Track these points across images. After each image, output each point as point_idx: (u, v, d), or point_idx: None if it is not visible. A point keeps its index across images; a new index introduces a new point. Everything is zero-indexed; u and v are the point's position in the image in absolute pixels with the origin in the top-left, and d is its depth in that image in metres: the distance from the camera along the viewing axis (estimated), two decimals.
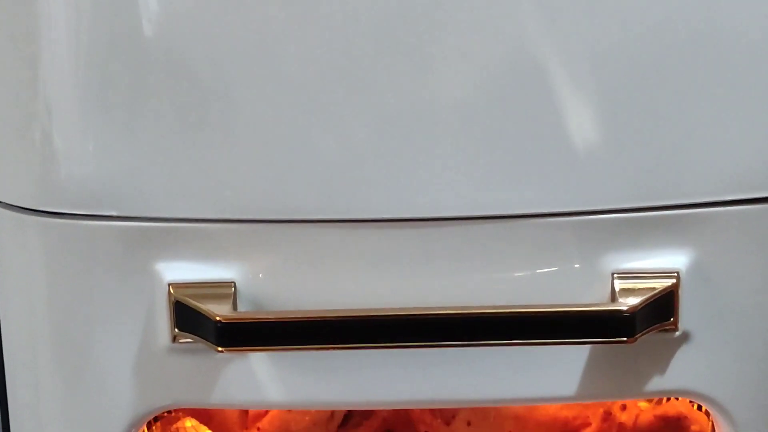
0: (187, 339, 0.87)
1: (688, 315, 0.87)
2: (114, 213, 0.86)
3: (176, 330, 0.87)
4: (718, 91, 0.84)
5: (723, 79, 0.83)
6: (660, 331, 0.86)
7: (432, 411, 1.09)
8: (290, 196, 0.85)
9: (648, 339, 0.86)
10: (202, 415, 1.15)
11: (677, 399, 1.16)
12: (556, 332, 0.83)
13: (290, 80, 0.83)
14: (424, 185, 0.84)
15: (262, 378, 0.88)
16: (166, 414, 1.21)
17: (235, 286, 0.86)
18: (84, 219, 0.87)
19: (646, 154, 0.84)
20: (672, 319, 0.86)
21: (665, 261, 0.86)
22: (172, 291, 0.86)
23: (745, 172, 0.85)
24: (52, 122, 0.86)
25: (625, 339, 0.83)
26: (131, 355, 0.88)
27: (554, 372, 0.88)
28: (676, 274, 0.86)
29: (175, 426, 1.22)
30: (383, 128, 0.84)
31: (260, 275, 0.86)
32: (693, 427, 1.09)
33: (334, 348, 0.84)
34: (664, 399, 1.17)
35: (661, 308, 0.85)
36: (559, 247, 0.86)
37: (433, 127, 0.84)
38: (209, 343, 0.84)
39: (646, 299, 0.84)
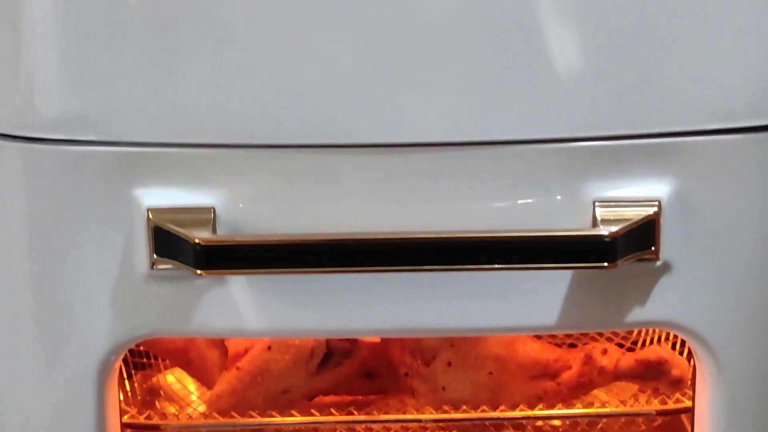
0: (165, 265, 0.86)
1: (669, 245, 0.87)
2: (92, 138, 0.85)
3: (155, 256, 0.86)
4: (701, 19, 0.83)
5: (706, 6, 0.83)
6: (641, 260, 0.86)
7: (412, 352, 1.09)
8: (271, 120, 0.84)
9: (629, 268, 0.86)
10: (181, 359, 1.15)
11: (659, 344, 1.16)
12: (537, 257, 0.83)
13: (272, 2, 0.82)
14: (406, 111, 0.84)
15: (242, 306, 0.88)
16: (146, 361, 1.21)
17: (214, 212, 0.86)
18: (63, 144, 0.86)
19: (629, 81, 0.84)
20: (653, 248, 0.86)
21: (647, 189, 0.86)
22: (150, 216, 0.86)
23: (728, 101, 0.85)
24: (30, 47, 0.85)
25: (605, 264, 0.83)
26: (109, 283, 0.88)
27: (535, 302, 0.88)
28: (657, 203, 0.86)
29: (156, 378, 1.22)
30: (366, 53, 0.83)
31: (240, 201, 0.86)
32: (673, 372, 1.09)
33: (312, 272, 0.84)
34: (647, 343, 1.18)
35: (643, 236, 0.85)
36: (541, 174, 0.85)
37: (415, 53, 0.83)
38: (188, 267, 0.84)
39: (627, 226, 0.84)
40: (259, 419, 1.07)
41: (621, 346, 1.14)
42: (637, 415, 1.07)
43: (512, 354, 1.08)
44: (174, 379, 1.22)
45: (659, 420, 1.10)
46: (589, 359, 1.09)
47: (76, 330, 0.89)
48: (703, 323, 0.89)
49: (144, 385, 1.20)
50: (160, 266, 0.87)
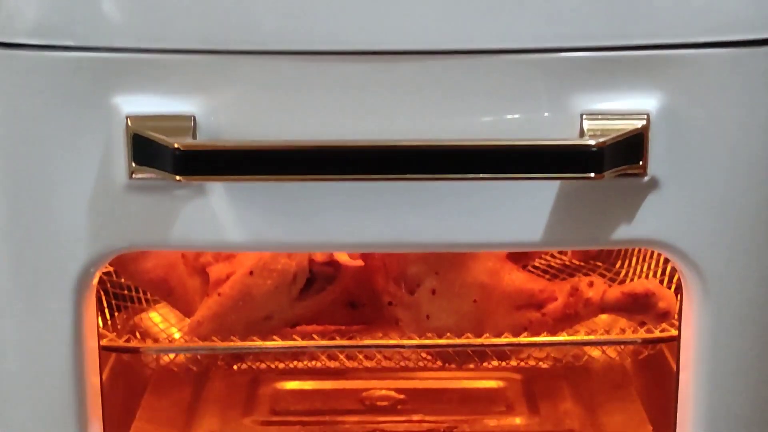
0: (144, 174, 0.85)
1: (657, 161, 0.85)
2: (71, 43, 0.84)
3: (133, 164, 0.84)
4: None
5: None
6: (628, 175, 0.85)
7: (396, 281, 1.07)
8: (252, 26, 0.83)
9: (616, 184, 0.85)
10: (163, 288, 1.13)
11: (647, 278, 1.15)
12: (523, 167, 0.81)
13: None
14: (390, 18, 0.82)
15: (222, 218, 0.86)
16: (127, 293, 1.19)
17: (194, 120, 0.84)
18: (40, 50, 0.84)
19: None
20: (641, 163, 0.84)
21: (636, 103, 0.84)
22: (129, 123, 0.84)
23: (720, 14, 0.83)
24: None
25: (592, 175, 0.81)
26: (87, 194, 0.86)
27: (520, 217, 0.86)
28: (646, 116, 0.84)
29: (139, 317, 1.21)
30: None
31: (220, 109, 0.84)
32: (660, 304, 1.07)
33: (292, 179, 0.82)
34: (635, 277, 1.17)
35: (630, 149, 0.84)
36: (528, 85, 0.84)
37: None
38: (167, 173, 0.82)
39: (615, 137, 0.82)
40: (239, 344, 1.05)
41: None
42: (622, 343, 1.06)
43: (497, 283, 1.07)
44: (156, 314, 1.21)
45: (644, 352, 1.09)
46: (575, 291, 1.08)
47: (52, 241, 0.87)
48: (689, 242, 0.87)
49: (127, 321, 1.18)
50: (139, 175, 0.85)
